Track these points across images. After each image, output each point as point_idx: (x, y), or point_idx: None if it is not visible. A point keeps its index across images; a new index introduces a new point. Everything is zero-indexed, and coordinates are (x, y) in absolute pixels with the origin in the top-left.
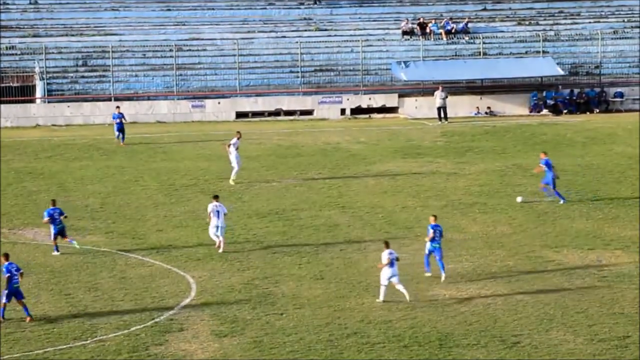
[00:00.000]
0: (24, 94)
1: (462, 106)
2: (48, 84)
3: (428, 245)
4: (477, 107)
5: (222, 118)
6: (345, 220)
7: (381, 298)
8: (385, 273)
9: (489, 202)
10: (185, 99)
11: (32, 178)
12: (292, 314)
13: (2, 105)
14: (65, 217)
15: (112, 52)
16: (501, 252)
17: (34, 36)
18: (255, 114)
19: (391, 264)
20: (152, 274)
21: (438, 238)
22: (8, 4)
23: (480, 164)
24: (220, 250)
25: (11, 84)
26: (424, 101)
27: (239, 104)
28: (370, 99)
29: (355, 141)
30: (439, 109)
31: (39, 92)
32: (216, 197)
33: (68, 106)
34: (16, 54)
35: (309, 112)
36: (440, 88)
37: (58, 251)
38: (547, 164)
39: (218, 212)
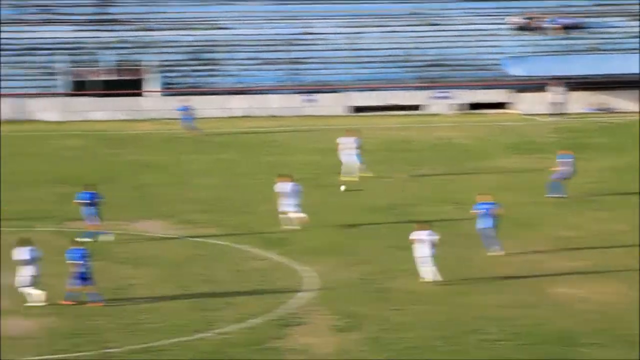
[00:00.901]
0: (137, 87)
1: (575, 102)
2: (161, 77)
3: (481, 223)
4: (591, 103)
5: (334, 112)
6: (459, 215)
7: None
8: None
9: (605, 199)
10: (297, 93)
11: (146, 171)
12: (409, 309)
13: (116, 99)
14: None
15: (223, 46)
16: (619, 251)
17: (146, 30)
18: (367, 109)
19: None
20: (267, 268)
21: (491, 216)
22: None
23: (595, 161)
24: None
25: (124, 78)
26: (536, 97)
27: (350, 98)
28: (481, 94)
29: (467, 137)
30: (554, 104)
31: (152, 86)
32: (286, 177)
33: (180, 100)
34: (128, 48)
35: (421, 107)
36: (557, 84)
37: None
38: (567, 160)
39: (291, 191)
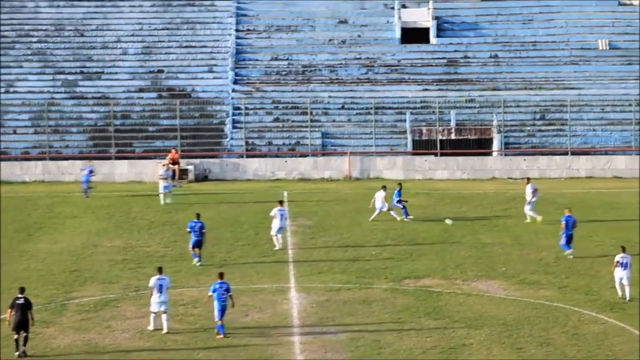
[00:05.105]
0: (482, 146)
1: None
2: (505, 136)
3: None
4: None
5: None
6: None
7: None
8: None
9: None
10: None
11: (486, 230)
12: None
13: (460, 158)
14: (204, 232)
15: (570, 106)
16: None
17: (493, 89)
18: None
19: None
20: (606, 332)
21: None
22: (469, 57)
23: None
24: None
25: (469, 137)
26: None
27: None
28: None
29: None
30: None
31: (496, 145)
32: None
33: (524, 159)
34: (475, 107)
35: None
36: None
37: (197, 259)
38: None
39: None
